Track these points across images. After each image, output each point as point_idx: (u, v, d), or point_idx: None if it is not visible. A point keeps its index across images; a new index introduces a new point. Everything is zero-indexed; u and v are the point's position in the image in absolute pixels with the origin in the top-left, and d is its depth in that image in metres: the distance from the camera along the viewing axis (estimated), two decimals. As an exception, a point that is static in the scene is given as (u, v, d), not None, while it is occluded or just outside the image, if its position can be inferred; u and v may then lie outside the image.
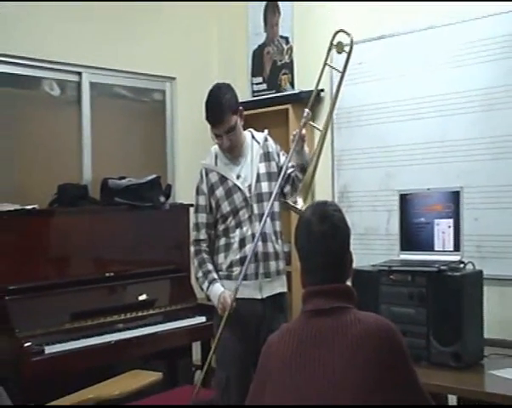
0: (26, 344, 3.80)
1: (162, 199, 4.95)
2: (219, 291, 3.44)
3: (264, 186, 3.52)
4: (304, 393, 1.92)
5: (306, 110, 3.48)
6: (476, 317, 3.17)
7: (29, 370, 3.76)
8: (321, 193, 5.05)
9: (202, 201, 3.59)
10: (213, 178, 3.57)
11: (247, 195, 3.51)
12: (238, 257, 3.49)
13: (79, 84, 5.02)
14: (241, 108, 3.57)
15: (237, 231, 3.51)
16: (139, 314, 4.51)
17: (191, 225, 3.67)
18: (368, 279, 3.30)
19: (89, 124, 5.04)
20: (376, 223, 4.76)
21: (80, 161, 5.00)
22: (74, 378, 3.77)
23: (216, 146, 3.65)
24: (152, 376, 3.92)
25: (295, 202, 3.21)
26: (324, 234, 2.05)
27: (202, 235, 3.58)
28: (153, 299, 4.66)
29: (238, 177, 3.55)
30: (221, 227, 3.57)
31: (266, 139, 3.63)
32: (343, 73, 3.45)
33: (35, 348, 3.82)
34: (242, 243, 3.49)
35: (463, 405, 3.41)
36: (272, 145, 3.64)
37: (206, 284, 3.51)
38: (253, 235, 3.45)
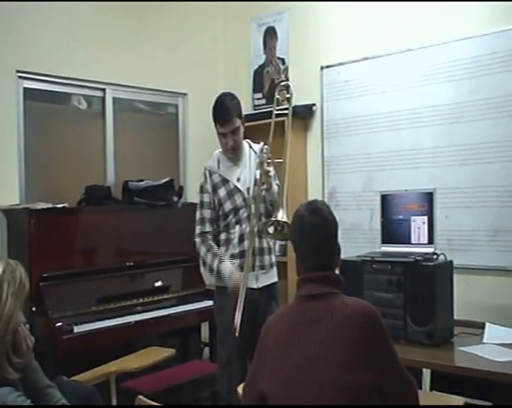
0: (58, 324, 3.82)
1: (175, 199, 4.95)
2: (230, 268, 3.42)
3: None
4: (296, 365, 1.93)
5: (265, 146, 3.50)
6: (447, 301, 3.17)
7: (60, 346, 3.78)
8: (313, 193, 5.07)
9: (207, 198, 3.54)
10: (216, 179, 3.54)
11: (246, 196, 3.50)
12: (238, 251, 3.47)
13: (103, 99, 5.01)
14: (243, 116, 3.57)
15: (237, 228, 3.49)
16: (156, 298, 4.51)
17: (196, 220, 3.58)
18: (354, 268, 3.29)
19: (112, 134, 5.04)
20: (360, 219, 4.76)
21: (104, 165, 5.00)
22: (99, 354, 3.76)
23: (218, 152, 3.63)
24: (166, 352, 3.92)
25: (268, 232, 3.25)
26: (315, 224, 2.06)
27: (208, 228, 3.53)
28: (167, 285, 4.66)
29: (238, 179, 3.53)
30: (222, 223, 3.54)
31: (262, 150, 3.57)
32: (289, 113, 3.58)
33: (65, 327, 3.84)
34: (241, 239, 3.47)
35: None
36: (267, 154, 3.53)
37: (216, 262, 3.45)
38: (251, 232, 3.42)
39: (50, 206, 4.18)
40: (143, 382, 3.93)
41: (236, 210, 3.50)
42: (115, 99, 5.08)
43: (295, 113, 4.98)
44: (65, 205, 4.29)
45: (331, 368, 1.87)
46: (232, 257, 3.48)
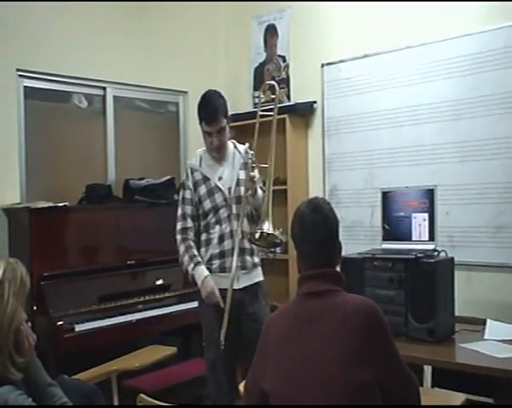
0: (59, 323, 3.82)
1: (176, 197, 4.94)
2: (204, 274, 3.35)
3: (243, 190, 3.39)
4: (297, 363, 1.93)
5: (250, 151, 3.47)
6: (448, 298, 3.18)
7: (62, 345, 3.79)
8: (314, 191, 5.07)
9: (188, 195, 3.47)
10: (197, 176, 3.47)
11: (227, 196, 3.42)
12: (217, 251, 3.40)
13: (104, 98, 5.01)
14: (229, 116, 3.51)
15: (217, 228, 3.42)
16: (157, 296, 4.51)
17: (178, 216, 3.51)
18: (355, 265, 3.29)
19: (113, 132, 5.04)
20: (361, 217, 4.76)
21: (105, 164, 5.00)
22: (100, 352, 3.78)
23: (201, 150, 3.58)
24: (168, 351, 3.93)
25: (255, 238, 3.22)
26: (315, 222, 2.05)
27: (189, 224, 3.45)
28: (168, 284, 4.65)
29: (220, 178, 3.46)
30: (202, 223, 3.47)
31: (247, 151, 3.53)
32: (274, 115, 3.44)
33: (66, 326, 3.84)
34: (221, 239, 3.40)
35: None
36: (252, 158, 3.45)
37: (191, 265, 3.37)
38: (231, 232, 3.38)
39: (51, 204, 4.17)
40: (144, 380, 3.93)
41: (215, 209, 3.43)
42: (115, 98, 5.08)
43: (296, 110, 5.03)
44: (66, 203, 4.27)
45: (332, 365, 1.86)
46: (212, 257, 3.42)
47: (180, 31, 5.48)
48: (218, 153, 3.49)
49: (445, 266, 3.19)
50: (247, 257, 3.45)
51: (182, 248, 3.45)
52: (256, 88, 5.59)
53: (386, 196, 3.54)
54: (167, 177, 4.94)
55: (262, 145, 3.47)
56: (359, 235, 4.71)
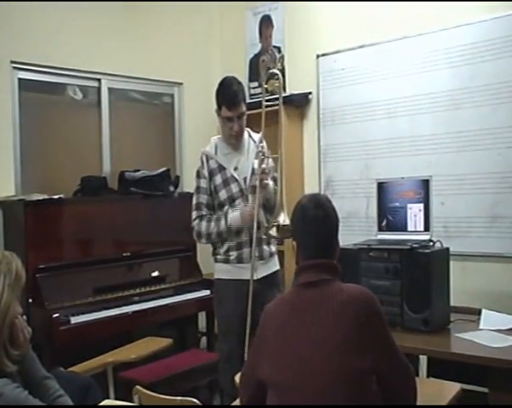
0: (55, 315, 3.82)
1: (172, 188, 4.95)
2: (236, 213, 3.37)
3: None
4: (294, 351, 1.94)
5: (261, 144, 3.43)
6: (443, 288, 3.18)
7: (57, 337, 3.78)
8: (310, 182, 5.07)
9: (204, 183, 3.45)
10: (213, 165, 3.45)
11: (243, 186, 3.42)
12: (234, 242, 3.41)
13: (99, 89, 4.99)
14: (246, 103, 3.51)
15: None
16: (153, 288, 4.51)
17: (193, 205, 3.49)
18: (350, 256, 3.28)
19: (108, 124, 5.02)
20: (357, 207, 4.75)
21: (100, 156, 4.98)
22: (96, 344, 3.77)
23: (216, 138, 3.56)
24: (164, 342, 3.93)
25: (271, 231, 3.21)
26: (317, 218, 2.07)
27: (204, 212, 3.44)
28: (164, 275, 4.66)
29: (235, 168, 3.45)
30: (219, 214, 3.45)
31: (261, 141, 3.48)
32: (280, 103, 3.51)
33: (62, 318, 3.84)
34: (238, 230, 3.39)
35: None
36: (265, 147, 3.46)
37: (222, 221, 3.37)
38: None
39: (46, 197, 4.17)
40: (140, 372, 3.93)
41: (231, 199, 3.42)
42: (110, 89, 5.06)
43: (291, 101, 5.00)
44: (61, 196, 4.26)
45: (328, 353, 1.87)
46: (229, 249, 3.42)
47: (175, 23, 5.46)
48: (236, 140, 3.47)
49: (440, 256, 3.19)
50: (265, 247, 3.46)
51: (204, 225, 3.43)
52: (251, 79, 5.58)
53: (382, 187, 3.54)
54: (163, 168, 4.93)
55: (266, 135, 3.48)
56: (354, 226, 4.70)
